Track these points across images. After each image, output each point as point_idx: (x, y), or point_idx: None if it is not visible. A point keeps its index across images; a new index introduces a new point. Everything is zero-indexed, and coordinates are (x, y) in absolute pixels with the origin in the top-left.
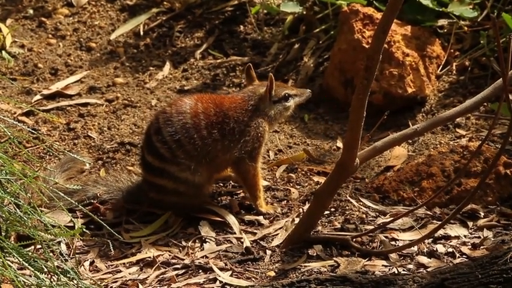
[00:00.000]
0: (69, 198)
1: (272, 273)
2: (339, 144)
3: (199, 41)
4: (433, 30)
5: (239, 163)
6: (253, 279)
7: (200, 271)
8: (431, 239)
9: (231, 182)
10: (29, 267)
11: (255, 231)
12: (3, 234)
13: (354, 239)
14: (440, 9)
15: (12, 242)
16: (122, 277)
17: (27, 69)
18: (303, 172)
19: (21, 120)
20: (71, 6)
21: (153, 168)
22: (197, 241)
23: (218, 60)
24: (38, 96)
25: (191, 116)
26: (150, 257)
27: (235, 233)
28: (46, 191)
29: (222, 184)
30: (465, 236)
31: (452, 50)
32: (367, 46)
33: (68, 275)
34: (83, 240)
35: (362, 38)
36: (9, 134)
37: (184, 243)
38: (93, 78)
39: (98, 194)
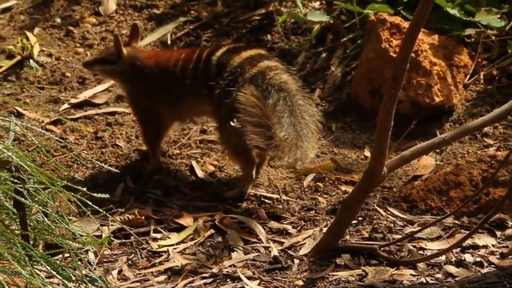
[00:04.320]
0: (97, 207)
1: (300, 282)
2: (367, 153)
3: None
4: (461, 40)
5: None
6: None
7: (228, 280)
8: (459, 249)
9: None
10: (57, 275)
11: (283, 240)
12: (31, 242)
13: (382, 248)
14: (468, 19)
15: (40, 250)
16: (150, 286)
17: (54, 78)
18: (331, 181)
19: (49, 129)
20: (99, 15)
21: None
22: (225, 250)
23: None
24: (66, 105)
25: None
26: (178, 266)
27: (262, 242)
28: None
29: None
30: (493, 246)
31: (479, 59)
32: (394, 55)
33: (96, 284)
34: (111, 249)
35: (389, 47)
36: (37, 142)
37: (212, 252)
38: None
39: None
